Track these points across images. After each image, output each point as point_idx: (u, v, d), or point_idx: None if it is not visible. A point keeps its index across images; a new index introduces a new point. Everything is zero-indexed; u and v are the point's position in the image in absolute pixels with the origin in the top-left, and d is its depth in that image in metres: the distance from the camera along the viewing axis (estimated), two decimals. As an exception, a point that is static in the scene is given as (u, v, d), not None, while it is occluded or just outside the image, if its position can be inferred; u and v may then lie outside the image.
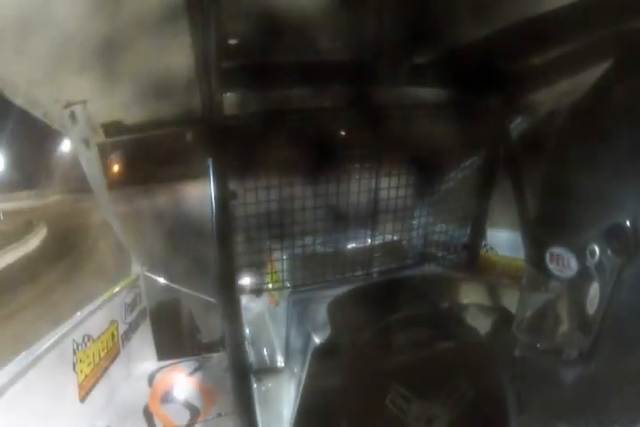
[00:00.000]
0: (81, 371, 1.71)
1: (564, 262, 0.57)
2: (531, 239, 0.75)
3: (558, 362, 0.59)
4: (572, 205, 0.58)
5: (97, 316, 1.89)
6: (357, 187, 1.50)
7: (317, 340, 1.26)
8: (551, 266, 0.59)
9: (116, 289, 2.15)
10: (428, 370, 1.11)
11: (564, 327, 0.60)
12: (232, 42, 1.06)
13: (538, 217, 0.69)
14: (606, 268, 0.51)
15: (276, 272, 1.73)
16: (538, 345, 0.65)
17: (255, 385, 1.45)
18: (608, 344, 0.52)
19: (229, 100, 1.24)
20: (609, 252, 0.51)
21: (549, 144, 0.66)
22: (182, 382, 2.24)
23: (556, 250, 0.58)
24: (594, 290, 0.52)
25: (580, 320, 0.55)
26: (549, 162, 0.65)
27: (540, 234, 0.66)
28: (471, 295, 1.48)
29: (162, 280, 2.58)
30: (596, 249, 0.52)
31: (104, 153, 1.69)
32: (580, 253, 0.55)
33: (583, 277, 0.54)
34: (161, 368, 2.36)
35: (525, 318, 0.68)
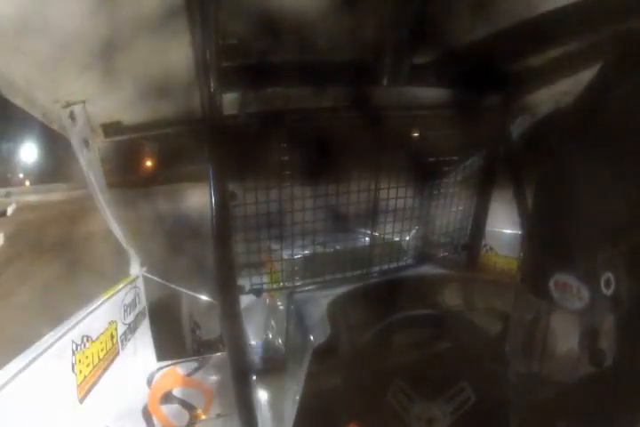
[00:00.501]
0: (80, 372, 1.70)
1: (572, 292, 0.49)
2: (530, 264, 0.64)
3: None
4: (578, 224, 0.50)
5: (96, 316, 1.88)
6: (357, 187, 1.50)
7: (317, 340, 1.26)
8: (557, 295, 0.51)
9: (115, 289, 2.14)
10: (431, 370, 1.11)
11: (570, 359, 0.53)
12: (232, 42, 1.06)
13: (539, 238, 0.60)
14: (624, 299, 0.44)
15: (275, 272, 1.73)
16: (525, 369, 0.60)
17: (255, 385, 1.45)
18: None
19: (229, 100, 1.24)
20: (627, 281, 0.43)
21: (550, 144, 0.62)
22: (181, 382, 2.24)
23: (563, 277, 0.50)
24: (608, 322, 0.45)
25: (592, 354, 0.48)
26: (548, 171, 0.58)
27: (541, 258, 0.57)
28: (471, 295, 1.48)
29: (161, 280, 2.58)
30: (612, 278, 0.44)
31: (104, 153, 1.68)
32: (593, 282, 0.47)
33: (596, 308, 0.47)
34: (160, 368, 2.35)
35: (521, 344, 0.61)
